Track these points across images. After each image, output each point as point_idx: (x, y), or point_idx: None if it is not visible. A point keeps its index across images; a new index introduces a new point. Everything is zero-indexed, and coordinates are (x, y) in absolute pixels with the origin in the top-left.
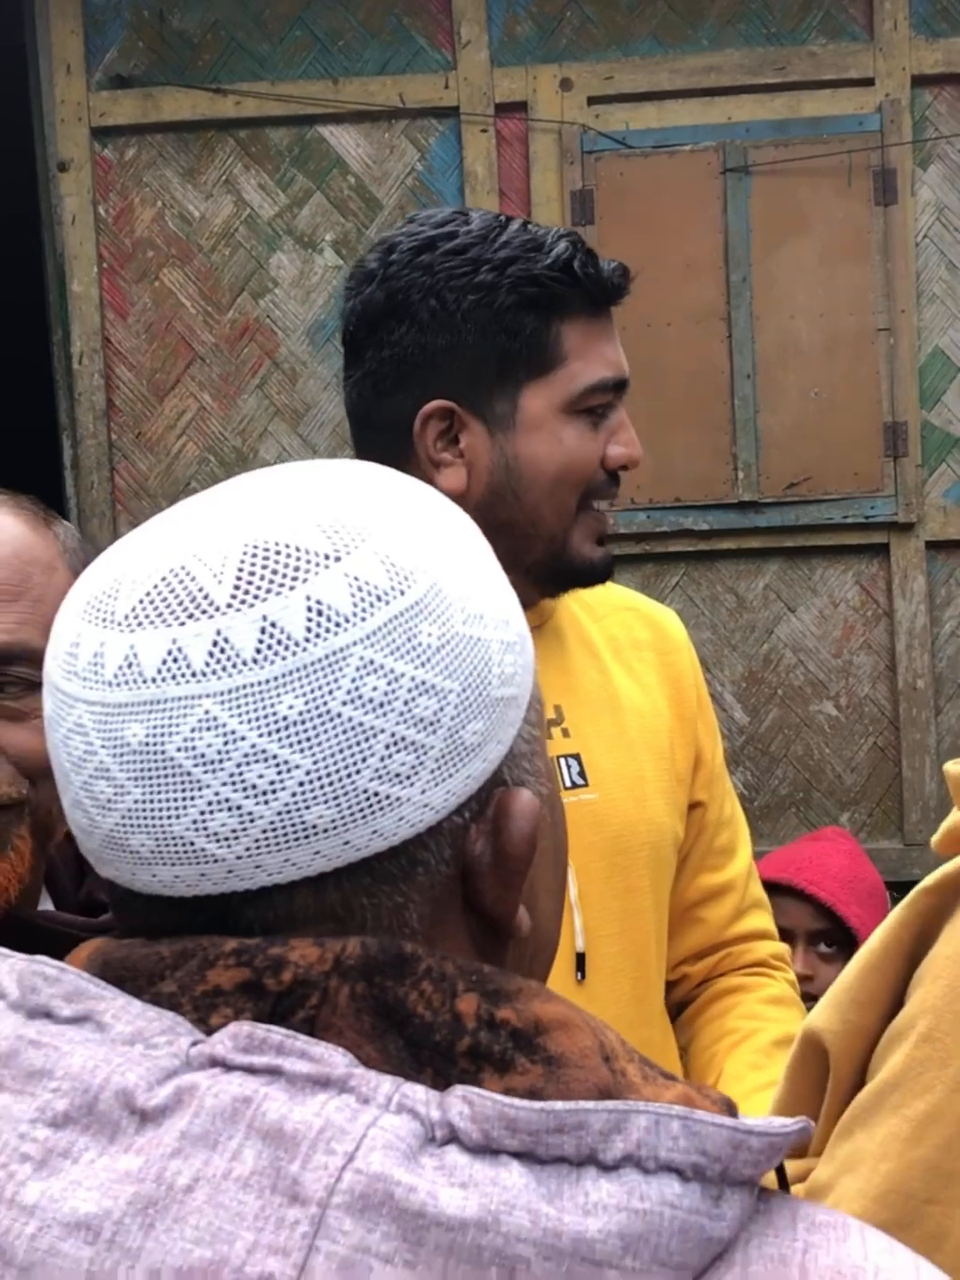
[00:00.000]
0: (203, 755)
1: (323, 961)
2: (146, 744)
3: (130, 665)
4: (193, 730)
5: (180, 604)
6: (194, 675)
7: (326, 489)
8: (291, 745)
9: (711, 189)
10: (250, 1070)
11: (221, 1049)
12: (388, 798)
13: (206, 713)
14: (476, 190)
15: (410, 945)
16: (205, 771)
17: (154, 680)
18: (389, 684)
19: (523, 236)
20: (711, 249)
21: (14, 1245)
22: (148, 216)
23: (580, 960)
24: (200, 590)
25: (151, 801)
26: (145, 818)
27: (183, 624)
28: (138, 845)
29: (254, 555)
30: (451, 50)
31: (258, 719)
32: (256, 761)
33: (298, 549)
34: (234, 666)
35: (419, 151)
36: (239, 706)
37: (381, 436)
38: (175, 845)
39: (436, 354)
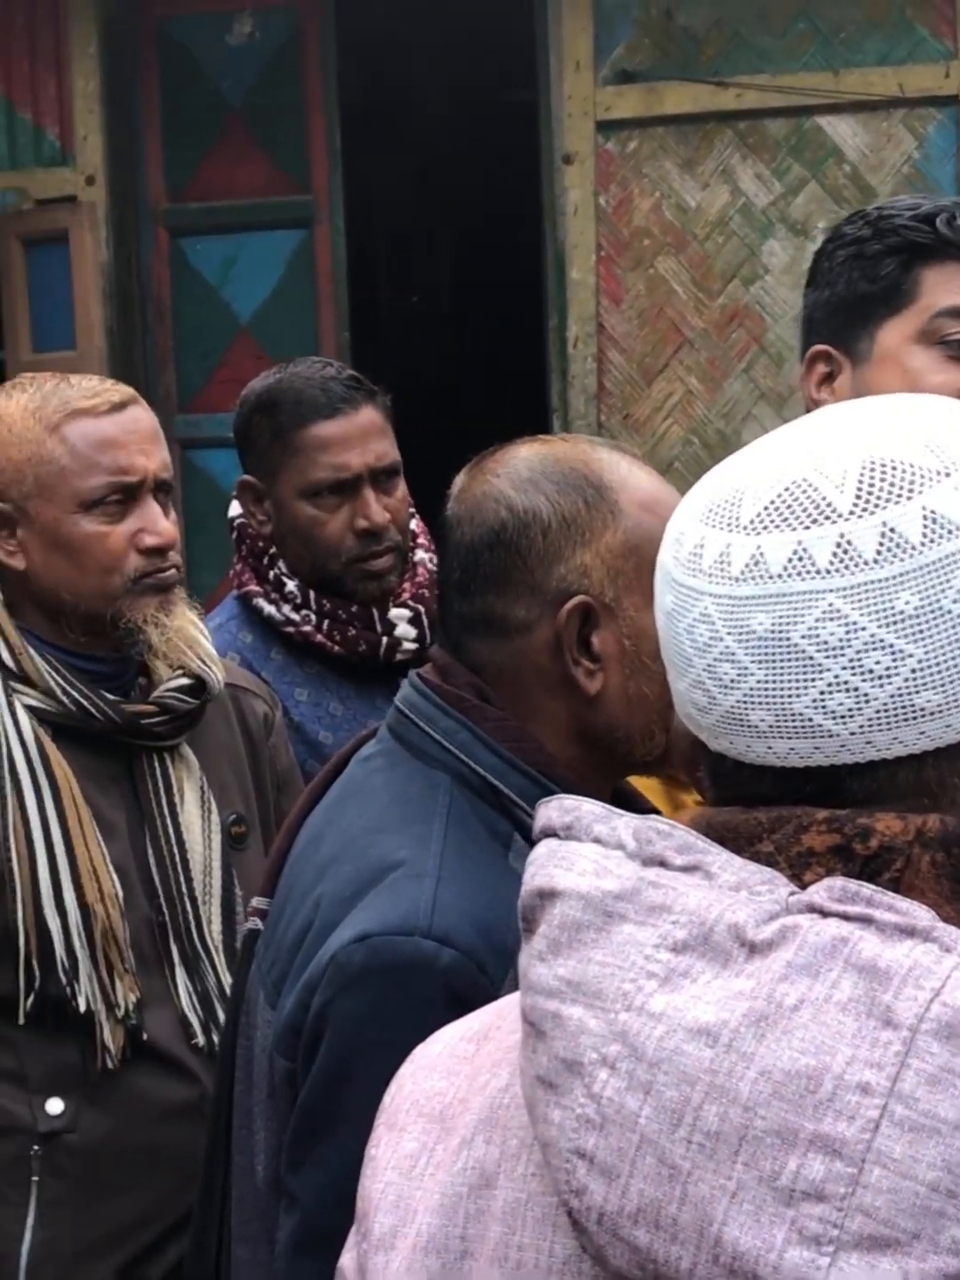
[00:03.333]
0: (825, 642)
1: (906, 832)
2: (772, 632)
3: (756, 563)
4: (816, 620)
5: (804, 511)
6: (818, 572)
7: (923, 415)
8: (907, 636)
9: None
10: (844, 917)
11: (818, 898)
12: None
13: (830, 605)
14: None
15: None
16: (827, 657)
17: (780, 576)
18: None
19: (912, 202)
20: None
21: (644, 1044)
22: (646, 206)
23: None
24: (824, 499)
25: (774, 682)
26: (767, 696)
27: (807, 528)
28: (757, 720)
29: (872, 470)
30: (954, 39)
31: (877, 612)
32: (874, 649)
33: (911, 465)
34: (856, 565)
35: (916, 140)
36: (860, 601)
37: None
38: (794, 721)
39: (821, 306)
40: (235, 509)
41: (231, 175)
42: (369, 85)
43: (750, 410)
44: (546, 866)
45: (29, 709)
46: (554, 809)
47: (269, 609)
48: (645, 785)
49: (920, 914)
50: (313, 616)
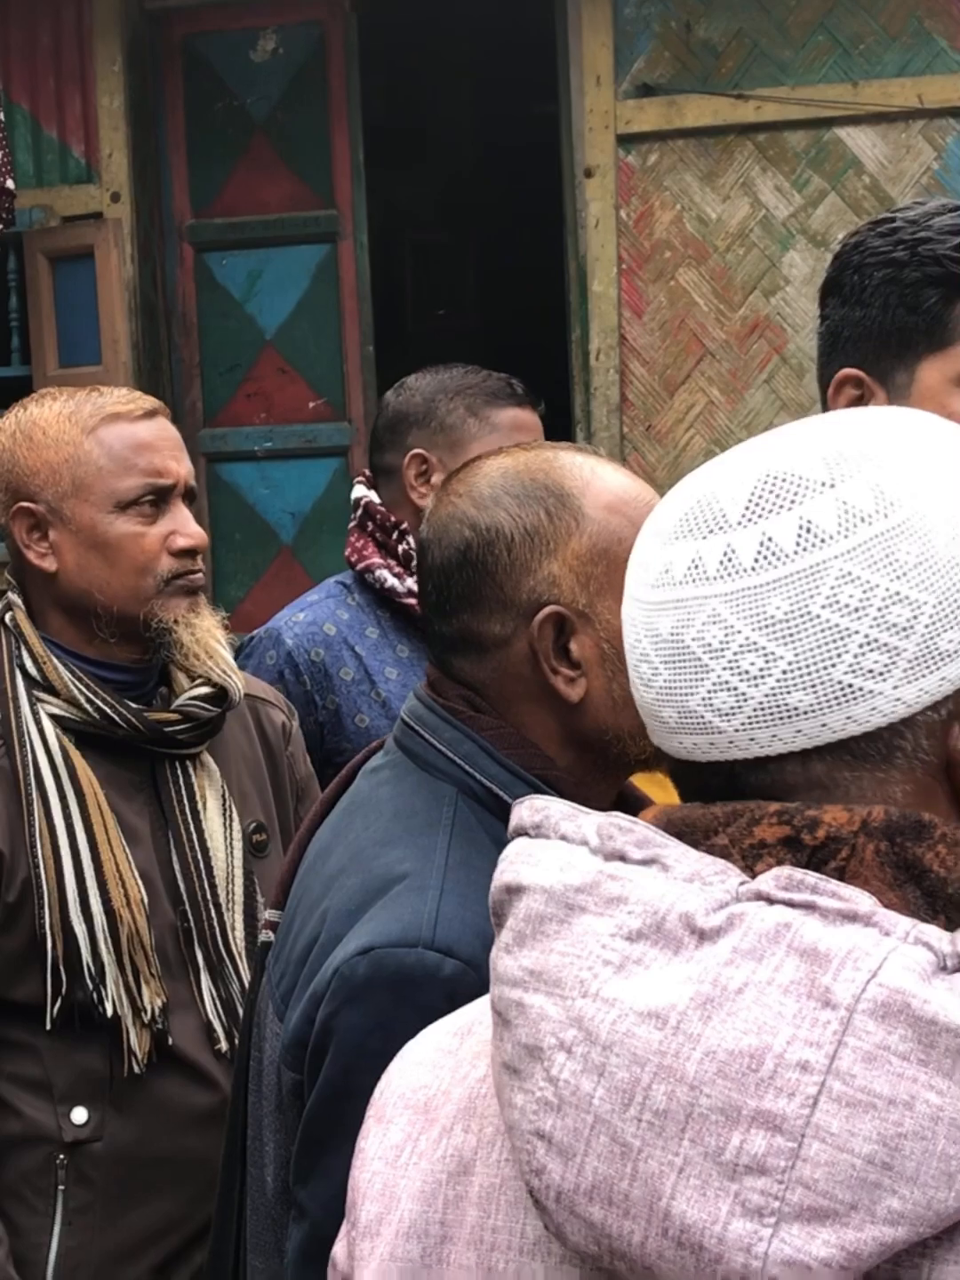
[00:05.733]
0: (709, 644)
1: (851, 822)
2: (672, 635)
3: (667, 571)
4: (703, 624)
5: (703, 522)
6: (708, 579)
7: (846, 428)
8: (778, 639)
9: None
10: (790, 904)
11: (766, 886)
12: (860, 690)
13: (714, 610)
14: None
15: (928, 814)
16: (711, 657)
17: (680, 583)
18: (864, 593)
19: (951, 224)
20: None
21: (598, 1028)
22: (667, 219)
23: None
24: (721, 511)
25: (675, 682)
26: (670, 694)
27: (703, 538)
28: (667, 717)
29: (765, 482)
30: None
31: (752, 616)
32: (749, 651)
33: (800, 477)
34: (737, 572)
35: (935, 150)
36: (738, 605)
37: (821, 403)
38: (691, 718)
39: (852, 326)
40: (360, 491)
41: (256, 191)
42: (392, 101)
43: (772, 420)
44: (514, 863)
45: (53, 718)
46: (525, 809)
47: (392, 581)
48: (657, 780)
49: (862, 900)
50: None
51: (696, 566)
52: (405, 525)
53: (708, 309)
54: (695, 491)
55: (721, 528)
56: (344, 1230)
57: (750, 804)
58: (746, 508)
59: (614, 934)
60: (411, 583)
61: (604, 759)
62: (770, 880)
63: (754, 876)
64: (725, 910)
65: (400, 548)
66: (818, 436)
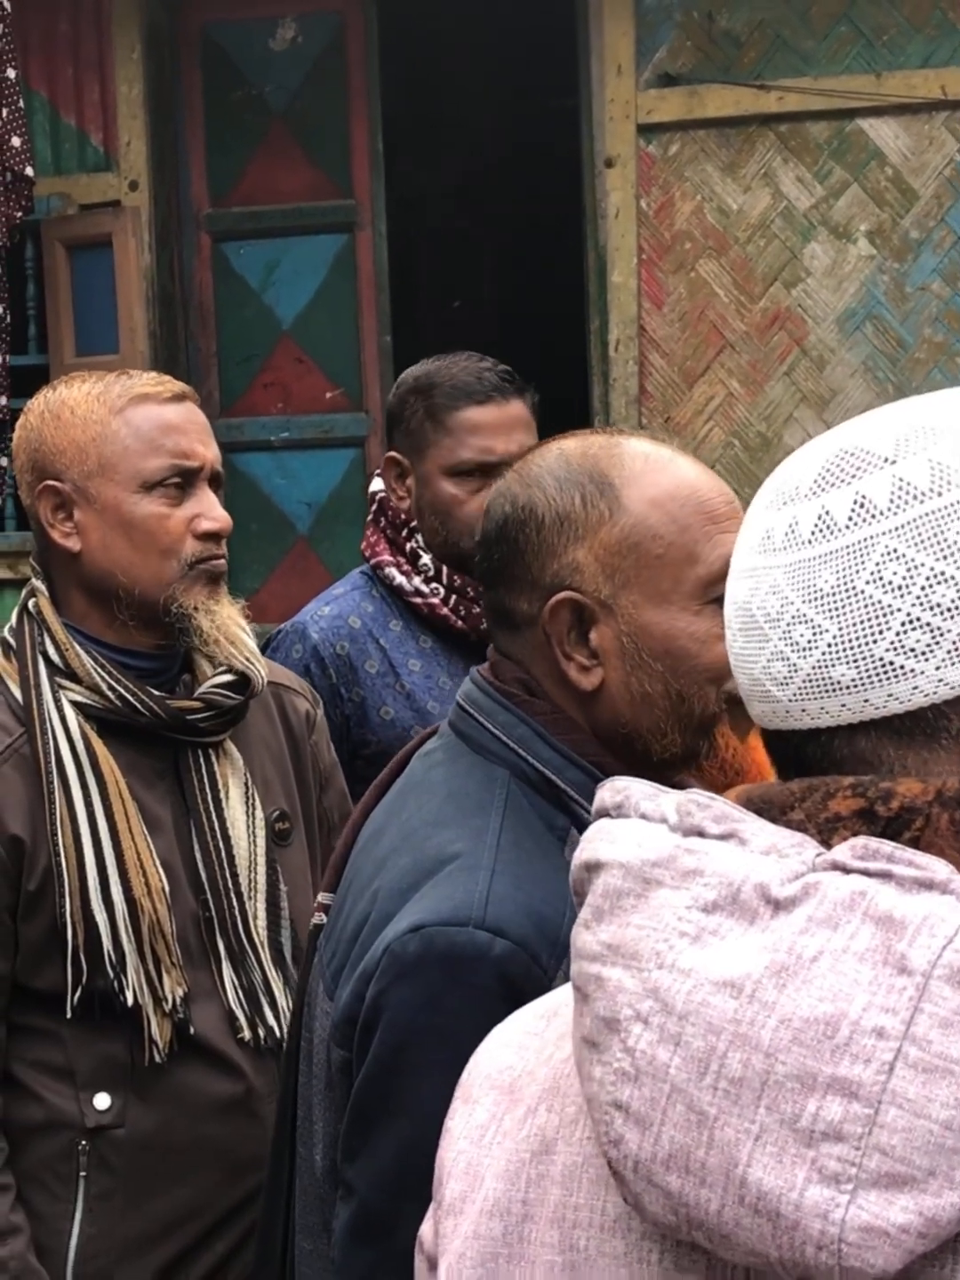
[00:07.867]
0: (769, 614)
1: (926, 793)
2: (744, 602)
3: (749, 541)
4: (765, 594)
5: (782, 494)
6: (775, 550)
7: (939, 403)
8: (824, 612)
9: None
10: (865, 873)
11: (842, 856)
12: (903, 668)
13: (774, 581)
14: None
15: None
16: (770, 627)
17: (756, 552)
18: (908, 571)
19: None
20: None
21: (674, 998)
22: (687, 209)
23: None
24: (796, 484)
25: (745, 648)
26: (741, 661)
27: (779, 509)
28: (743, 683)
29: (839, 456)
30: None
31: (803, 588)
32: (800, 623)
33: (868, 452)
34: (796, 544)
35: (959, 142)
36: (794, 577)
37: None
38: (756, 686)
39: None
40: (377, 485)
41: (274, 180)
42: (411, 90)
43: (792, 413)
44: (594, 841)
45: (75, 705)
46: (607, 790)
47: (400, 579)
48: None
49: (938, 868)
50: (442, 590)
51: (769, 538)
52: (415, 522)
53: (728, 300)
54: (787, 464)
55: (792, 500)
56: (430, 1209)
57: (826, 779)
58: (815, 481)
59: (690, 906)
60: (419, 582)
61: (628, 753)
62: (846, 850)
63: (830, 849)
64: (800, 880)
65: (409, 545)
66: (905, 411)
